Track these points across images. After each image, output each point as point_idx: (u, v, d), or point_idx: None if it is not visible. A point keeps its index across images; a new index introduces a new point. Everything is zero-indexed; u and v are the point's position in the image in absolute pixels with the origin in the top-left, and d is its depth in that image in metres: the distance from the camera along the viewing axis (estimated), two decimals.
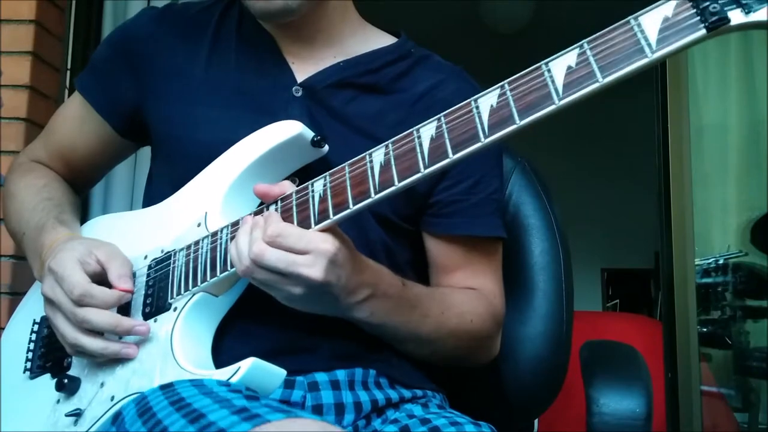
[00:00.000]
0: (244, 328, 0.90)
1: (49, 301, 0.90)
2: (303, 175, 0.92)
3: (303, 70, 1.00)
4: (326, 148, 0.90)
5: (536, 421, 1.83)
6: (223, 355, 0.87)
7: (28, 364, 0.99)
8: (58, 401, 0.91)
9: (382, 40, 1.07)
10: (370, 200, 0.76)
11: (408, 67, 1.04)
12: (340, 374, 0.91)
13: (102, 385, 0.88)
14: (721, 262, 2.80)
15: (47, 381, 0.95)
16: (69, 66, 2.15)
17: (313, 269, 0.77)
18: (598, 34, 0.67)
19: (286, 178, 0.92)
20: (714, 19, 0.61)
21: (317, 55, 1.01)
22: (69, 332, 0.87)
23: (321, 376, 0.89)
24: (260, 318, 0.89)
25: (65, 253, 0.90)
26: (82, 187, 1.17)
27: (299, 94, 0.97)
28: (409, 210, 0.97)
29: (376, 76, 1.01)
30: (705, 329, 2.74)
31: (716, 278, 2.81)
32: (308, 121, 0.93)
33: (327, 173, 0.80)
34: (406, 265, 1.01)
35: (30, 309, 1.05)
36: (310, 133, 0.89)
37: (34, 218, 1.01)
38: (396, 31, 1.09)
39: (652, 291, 5.23)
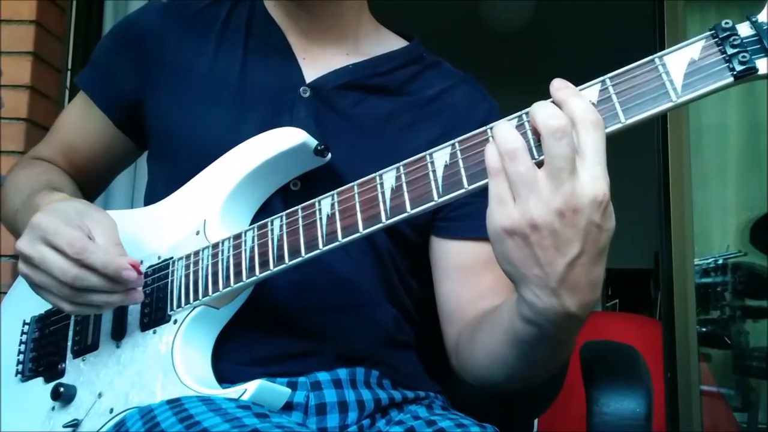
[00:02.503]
0: (246, 334, 0.88)
1: (26, 259, 0.82)
2: (305, 179, 0.91)
3: (312, 68, 0.97)
4: (329, 156, 0.88)
5: (536, 421, 1.84)
6: (225, 362, 0.86)
7: (20, 367, 0.97)
8: (53, 408, 0.89)
9: (395, 43, 1.05)
10: (381, 225, 0.73)
11: (418, 71, 1.02)
12: (342, 373, 0.90)
13: (100, 395, 0.86)
14: (720, 262, 2.81)
15: (40, 385, 0.94)
16: (69, 66, 2.15)
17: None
18: (620, 70, 0.64)
19: (287, 184, 0.91)
20: (742, 68, 0.60)
21: (329, 52, 0.99)
22: (69, 270, 0.79)
23: (323, 375, 0.89)
24: (262, 323, 0.88)
25: (54, 213, 0.82)
26: (89, 190, 1.13)
27: (307, 94, 0.95)
28: (420, 220, 0.93)
29: (385, 79, 0.99)
30: (704, 329, 2.74)
31: (716, 278, 2.81)
32: (314, 123, 0.92)
33: (335, 192, 0.77)
34: (407, 274, 0.99)
35: (16, 308, 1.02)
36: (313, 142, 0.87)
37: (28, 191, 0.96)
38: (409, 34, 1.08)
39: (651, 291, 5.23)
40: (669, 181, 2.19)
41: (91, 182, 1.13)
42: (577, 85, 0.65)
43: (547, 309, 0.65)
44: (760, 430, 2.73)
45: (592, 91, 0.65)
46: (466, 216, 0.95)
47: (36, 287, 0.83)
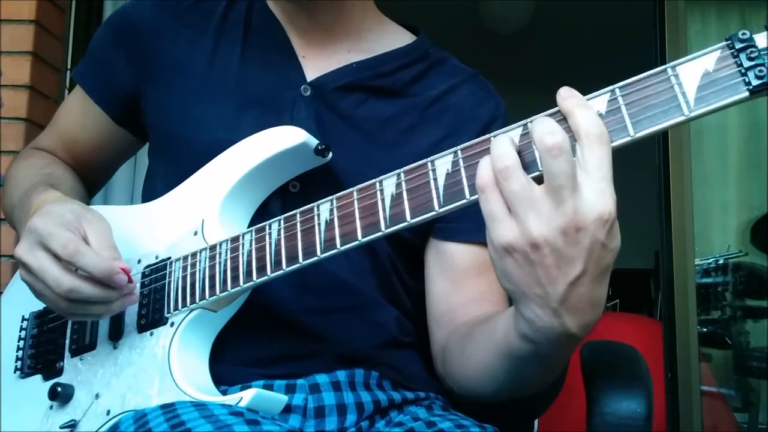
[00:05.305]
0: (244, 336, 0.87)
1: (24, 267, 0.81)
2: (304, 181, 0.90)
3: (314, 66, 0.96)
4: (330, 156, 0.87)
5: (536, 421, 1.83)
6: (223, 363, 0.86)
7: (18, 364, 0.97)
8: (51, 407, 0.89)
9: (400, 38, 1.03)
10: (380, 233, 0.71)
11: (423, 70, 1.00)
12: (341, 375, 0.89)
13: (97, 396, 0.86)
14: (720, 261, 2.81)
15: (38, 383, 0.93)
16: (69, 66, 2.14)
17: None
18: (630, 80, 0.61)
19: (286, 184, 0.90)
20: (758, 83, 0.57)
21: (331, 49, 0.98)
22: (64, 282, 0.78)
23: (322, 378, 0.88)
24: (260, 325, 0.88)
25: (50, 216, 0.81)
26: (92, 181, 1.13)
27: (307, 93, 0.93)
28: (422, 225, 0.93)
29: (389, 80, 0.97)
30: (705, 329, 2.74)
31: (716, 278, 2.82)
32: (315, 123, 0.91)
33: (334, 197, 0.75)
34: (406, 275, 0.99)
35: (15, 303, 1.01)
36: (314, 141, 0.85)
37: (26, 185, 0.95)
38: (415, 27, 1.06)
39: (651, 291, 5.23)
40: (669, 180, 2.19)
41: (93, 173, 1.12)
42: (579, 87, 0.63)
43: (546, 328, 0.63)
44: (760, 430, 2.73)
45: (600, 101, 0.62)
46: (464, 218, 0.92)
47: (36, 293, 0.83)
